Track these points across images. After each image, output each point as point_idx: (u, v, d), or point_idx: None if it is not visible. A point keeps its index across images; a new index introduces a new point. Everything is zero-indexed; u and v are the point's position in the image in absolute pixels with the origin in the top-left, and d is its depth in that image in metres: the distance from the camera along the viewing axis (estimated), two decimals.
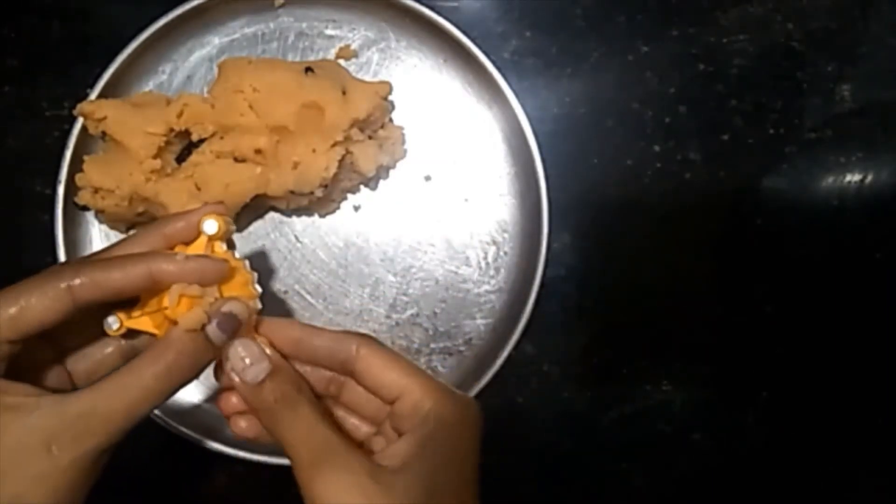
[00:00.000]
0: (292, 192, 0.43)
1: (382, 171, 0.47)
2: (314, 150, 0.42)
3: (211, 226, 0.32)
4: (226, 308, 0.31)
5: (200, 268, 0.31)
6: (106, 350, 0.34)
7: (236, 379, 0.31)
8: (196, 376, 0.31)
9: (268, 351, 0.31)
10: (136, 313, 0.32)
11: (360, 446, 0.34)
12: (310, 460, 0.29)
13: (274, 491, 0.48)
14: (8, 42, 0.48)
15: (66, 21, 0.48)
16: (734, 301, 0.49)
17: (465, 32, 0.46)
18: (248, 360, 0.31)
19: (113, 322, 0.32)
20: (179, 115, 0.42)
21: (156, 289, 0.31)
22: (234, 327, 0.31)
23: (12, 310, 0.30)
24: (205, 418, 0.45)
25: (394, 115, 0.47)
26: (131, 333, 0.33)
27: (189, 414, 0.45)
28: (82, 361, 0.34)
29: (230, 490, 0.48)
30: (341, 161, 0.42)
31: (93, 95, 0.45)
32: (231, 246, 0.34)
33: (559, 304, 0.48)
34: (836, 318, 0.49)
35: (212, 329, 0.30)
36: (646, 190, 0.48)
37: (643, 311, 0.49)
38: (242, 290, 0.32)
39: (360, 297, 0.47)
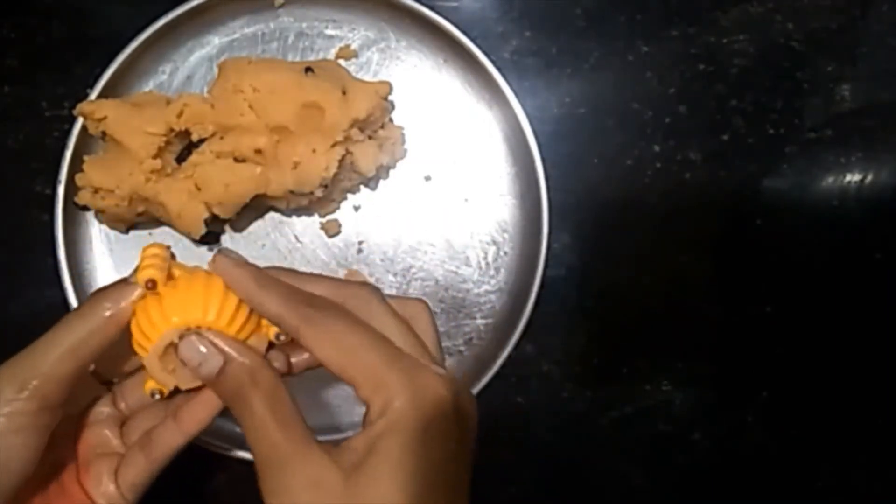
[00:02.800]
0: (292, 192, 0.43)
1: (382, 171, 0.47)
2: (314, 150, 0.42)
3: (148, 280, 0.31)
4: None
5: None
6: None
7: (193, 370, 0.30)
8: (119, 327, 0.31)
9: (221, 344, 0.30)
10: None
11: None
12: (261, 462, 0.29)
13: None
14: (8, 42, 0.48)
15: (66, 21, 0.48)
16: (734, 301, 0.49)
17: (465, 32, 0.46)
18: (199, 354, 0.30)
19: (155, 394, 0.32)
20: (179, 115, 0.42)
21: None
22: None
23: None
24: None
25: (394, 115, 0.47)
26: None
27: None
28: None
29: (230, 490, 0.48)
30: (341, 161, 0.42)
31: (93, 95, 0.45)
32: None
33: (559, 304, 0.48)
34: (836, 318, 0.49)
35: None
36: (646, 190, 0.48)
37: (643, 311, 0.49)
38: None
39: None
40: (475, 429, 0.31)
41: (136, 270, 0.31)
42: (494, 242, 0.47)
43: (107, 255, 0.47)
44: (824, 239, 0.49)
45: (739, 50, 0.49)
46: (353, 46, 0.47)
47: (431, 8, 0.46)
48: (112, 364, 0.35)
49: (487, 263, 0.47)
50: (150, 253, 0.31)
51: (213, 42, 0.47)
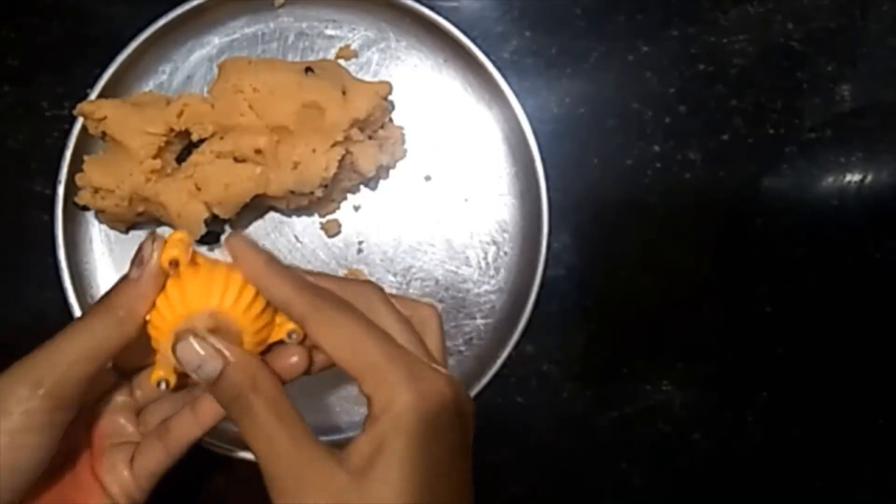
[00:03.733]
0: (292, 192, 0.43)
1: (382, 171, 0.47)
2: (314, 150, 0.42)
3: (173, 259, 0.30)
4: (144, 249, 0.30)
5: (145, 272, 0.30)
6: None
7: (190, 372, 0.29)
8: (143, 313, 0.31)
9: (220, 346, 0.29)
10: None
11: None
12: (267, 475, 0.28)
13: None
14: (8, 42, 0.48)
15: (66, 21, 0.48)
16: (734, 301, 0.49)
17: (465, 32, 0.46)
18: (198, 356, 0.29)
19: (160, 384, 0.32)
20: (179, 115, 0.42)
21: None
22: (140, 258, 0.30)
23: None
24: None
25: (394, 115, 0.47)
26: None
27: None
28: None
29: (230, 490, 0.48)
30: (341, 161, 0.42)
31: (93, 95, 0.45)
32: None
33: (559, 304, 0.48)
34: (836, 317, 0.49)
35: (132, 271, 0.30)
36: (646, 190, 0.48)
37: (643, 311, 0.49)
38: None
39: None
40: (474, 428, 0.31)
41: (139, 262, 0.31)
42: (494, 242, 0.47)
43: (107, 255, 0.47)
44: (824, 239, 0.49)
45: (739, 50, 0.49)
46: (353, 46, 0.47)
47: (431, 8, 0.46)
48: (131, 357, 0.34)
49: (487, 263, 0.47)
50: (175, 237, 0.31)
51: (213, 42, 0.47)
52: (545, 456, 0.49)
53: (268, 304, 0.31)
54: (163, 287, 0.31)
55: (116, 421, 0.35)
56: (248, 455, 0.44)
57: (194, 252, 0.31)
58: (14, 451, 0.29)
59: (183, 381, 0.33)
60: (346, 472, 0.27)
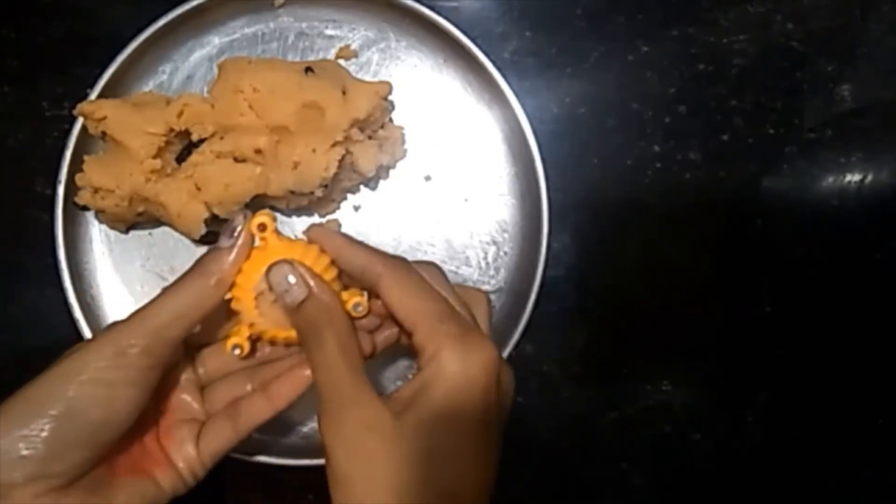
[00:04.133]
0: (292, 192, 0.43)
1: (382, 171, 0.47)
2: (314, 150, 0.42)
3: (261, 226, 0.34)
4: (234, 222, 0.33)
5: (240, 243, 0.33)
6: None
7: (278, 297, 0.32)
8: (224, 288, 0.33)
9: (307, 277, 0.32)
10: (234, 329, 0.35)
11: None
12: (322, 400, 0.31)
13: (274, 491, 0.48)
14: (8, 42, 0.48)
15: (66, 21, 0.48)
16: (734, 301, 0.49)
17: (465, 32, 0.46)
18: (287, 282, 0.32)
19: (235, 349, 0.35)
20: (179, 115, 0.42)
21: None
22: (232, 229, 0.33)
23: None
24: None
25: (394, 115, 0.47)
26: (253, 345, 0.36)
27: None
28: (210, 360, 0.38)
29: (230, 490, 0.48)
30: (341, 161, 0.42)
31: (93, 95, 0.45)
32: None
33: (559, 304, 0.48)
34: (836, 318, 0.49)
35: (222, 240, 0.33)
36: (646, 190, 0.48)
37: (643, 311, 0.49)
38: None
39: None
40: (509, 409, 0.33)
41: (230, 232, 0.33)
42: (494, 242, 0.47)
43: (107, 255, 0.47)
44: (824, 239, 0.49)
45: (739, 50, 0.49)
46: (353, 46, 0.47)
47: (431, 8, 0.46)
48: (202, 331, 0.37)
49: (487, 263, 0.47)
50: (262, 211, 0.34)
51: (213, 42, 0.47)
52: (545, 456, 0.49)
53: (336, 277, 0.34)
54: (248, 256, 0.33)
55: (181, 398, 0.37)
56: (247, 455, 0.44)
57: (277, 228, 0.34)
58: (112, 403, 0.31)
59: (252, 351, 0.35)
60: (388, 409, 0.30)
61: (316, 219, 0.47)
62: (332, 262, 0.34)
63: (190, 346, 0.38)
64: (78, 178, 0.43)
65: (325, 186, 0.43)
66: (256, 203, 0.44)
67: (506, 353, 0.45)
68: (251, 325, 0.34)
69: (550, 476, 0.49)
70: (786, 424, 0.49)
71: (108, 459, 0.32)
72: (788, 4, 0.49)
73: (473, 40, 0.46)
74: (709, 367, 0.49)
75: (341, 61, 0.47)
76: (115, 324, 0.32)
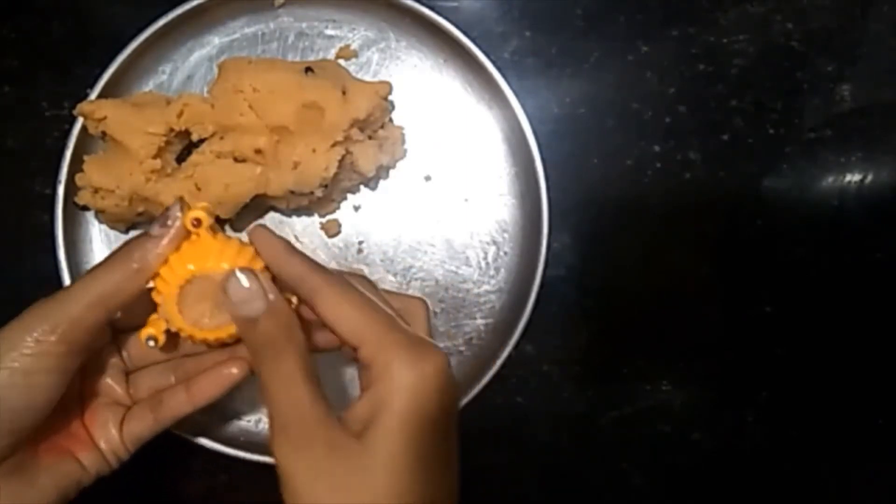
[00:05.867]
0: (292, 192, 0.43)
1: (382, 171, 0.47)
2: (314, 150, 0.42)
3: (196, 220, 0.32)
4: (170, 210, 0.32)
5: (170, 231, 0.32)
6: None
7: (233, 308, 0.31)
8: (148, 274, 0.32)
9: (268, 291, 0.31)
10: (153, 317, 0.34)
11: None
12: (279, 422, 0.30)
13: (274, 491, 0.48)
14: (8, 42, 0.48)
15: (66, 21, 0.48)
16: (734, 301, 0.49)
17: (465, 32, 0.46)
18: (245, 292, 0.30)
19: (150, 340, 0.34)
20: (179, 115, 0.42)
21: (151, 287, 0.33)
22: (166, 217, 0.32)
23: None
24: (204, 418, 0.45)
25: (394, 115, 0.47)
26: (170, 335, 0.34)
27: (189, 414, 0.45)
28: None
29: (230, 490, 0.48)
30: (341, 161, 0.42)
31: (93, 95, 0.45)
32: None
33: (559, 304, 0.48)
34: (836, 318, 0.49)
35: (154, 229, 0.32)
36: (646, 190, 0.48)
37: (643, 311, 0.49)
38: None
39: None
40: (458, 410, 0.33)
41: (163, 221, 0.32)
42: (494, 242, 0.47)
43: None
44: (824, 239, 0.49)
45: (739, 50, 0.49)
46: (353, 46, 0.47)
47: (431, 8, 0.46)
48: (129, 315, 0.36)
49: (487, 263, 0.47)
50: (200, 204, 0.33)
51: (213, 42, 0.47)
52: (545, 456, 0.49)
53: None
54: (178, 248, 0.32)
55: (105, 382, 0.37)
56: (247, 455, 0.44)
57: (213, 223, 0.33)
58: (29, 390, 0.30)
59: (170, 343, 0.35)
60: (346, 433, 0.29)
61: (316, 219, 0.47)
62: (265, 268, 0.33)
63: (117, 330, 0.37)
64: (78, 178, 0.43)
65: (325, 186, 0.43)
66: (256, 203, 0.44)
67: (506, 353, 0.45)
68: (167, 321, 0.33)
69: (550, 476, 0.49)
70: (786, 424, 0.49)
71: (30, 441, 0.32)
72: (788, 4, 0.49)
73: (473, 40, 0.46)
74: (709, 367, 0.49)
75: (341, 61, 0.47)
76: (35, 306, 0.31)
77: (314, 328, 0.35)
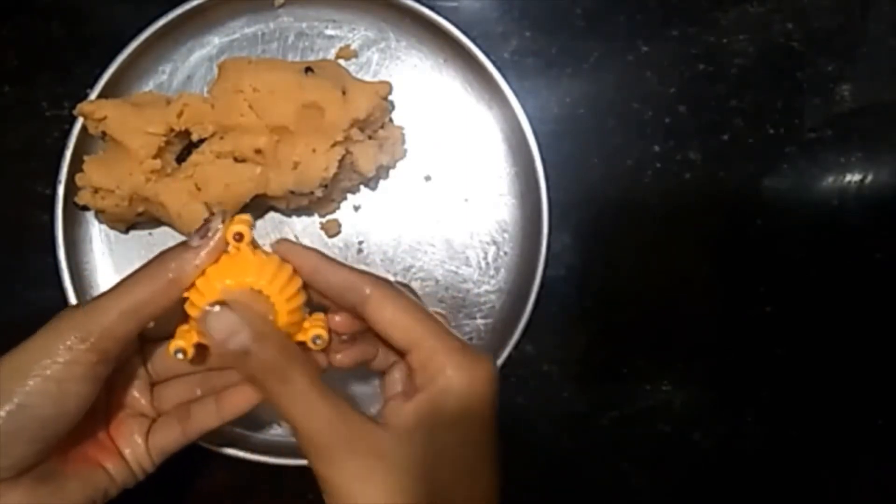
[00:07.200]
0: (292, 192, 0.43)
1: (382, 171, 0.47)
2: (314, 150, 0.42)
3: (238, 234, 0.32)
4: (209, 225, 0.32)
5: (208, 246, 0.31)
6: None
7: (220, 346, 0.29)
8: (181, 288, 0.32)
9: (248, 319, 0.29)
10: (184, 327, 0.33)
11: (383, 374, 0.33)
12: (318, 446, 0.29)
13: (274, 491, 0.48)
14: (8, 42, 0.48)
15: (66, 21, 0.48)
16: (734, 301, 0.49)
17: (465, 32, 0.46)
18: (226, 325, 0.29)
19: (178, 353, 0.33)
20: (179, 115, 0.42)
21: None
22: (206, 229, 0.31)
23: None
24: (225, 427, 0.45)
25: (394, 115, 0.47)
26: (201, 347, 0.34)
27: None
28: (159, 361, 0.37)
29: (230, 490, 0.48)
30: (341, 161, 0.42)
31: (93, 95, 0.45)
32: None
33: (559, 304, 0.48)
34: (836, 318, 0.49)
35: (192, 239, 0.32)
36: (646, 190, 0.48)
37: (643, 311, 0.49)
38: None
39: None
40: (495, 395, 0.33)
41: (203, 232, 0.32)
42: (494, 242, 0.47)
43: (107, 255, 0.47)
44: (824, 239, 0.49)
45: (739, 50, 0.49)
46: (353, 46, 0.47)
47: (431, 8, 0.46)
48: (158, 326, 0.36)
49: (487, 263, 0.47)
50: (242, 217, 0.33)
51: (213, 42, 0.47)
52: (545, 456, 0.49)
53: (304, 304, 0.33)
54: (216, 261, 0.32)
55: (131, 393, 0.36)
56: (247, 455, 0.44)
57: (254, 238, 0.33)
58: (60, 398, 0.30)
59: (198, 357, 0.34)
60: (390, 434, 0.29)
61: (316, 219, 0.47)
62: (304, 286, 0.32)
63: (145, 340, 0.37)
64: (78, 178, 0.43)
65: (325, 186, 0.43)
66: (256, 203, 0.44)
67: (506, 353, 0.45)
68: (200, 334, 0.32)
69: (550, 476, 0.49)
70: (786, 424, 0.49)
71: (58, 449, 0.32)
72: (788, 4, 0.49)
73: (473, 40, 0.46)
74: (709, 367, 0.49)
75: (341, 61, 0.47)
76: (67, 314, 0.31)
77: (332, 347, 0.35)
